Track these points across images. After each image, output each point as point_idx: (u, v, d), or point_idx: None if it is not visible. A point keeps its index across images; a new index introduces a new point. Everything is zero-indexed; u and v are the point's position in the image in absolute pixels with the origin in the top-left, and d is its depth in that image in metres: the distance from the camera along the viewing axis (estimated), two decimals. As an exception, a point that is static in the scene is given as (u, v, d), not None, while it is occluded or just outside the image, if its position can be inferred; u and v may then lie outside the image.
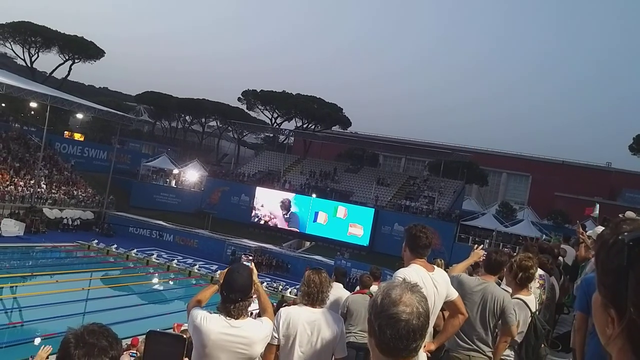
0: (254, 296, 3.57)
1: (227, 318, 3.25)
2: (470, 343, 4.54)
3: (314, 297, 3.86)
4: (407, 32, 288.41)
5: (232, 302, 3.25)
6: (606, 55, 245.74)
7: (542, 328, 4.81)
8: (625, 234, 0.91)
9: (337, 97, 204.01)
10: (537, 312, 4.98)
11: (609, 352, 0.94)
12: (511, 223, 46.32)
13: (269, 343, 3.72)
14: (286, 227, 47.75)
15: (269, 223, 48.31)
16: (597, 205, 10.46)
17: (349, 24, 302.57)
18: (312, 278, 3.91)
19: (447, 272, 6.27)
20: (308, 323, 3.73)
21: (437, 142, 70.73)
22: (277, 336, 3.71)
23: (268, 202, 48.35)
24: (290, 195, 48.28)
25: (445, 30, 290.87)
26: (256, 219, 48.64)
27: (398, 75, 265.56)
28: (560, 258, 7.85)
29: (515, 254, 7.56)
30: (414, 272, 3.66)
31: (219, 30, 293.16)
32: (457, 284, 4.61)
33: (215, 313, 3.32)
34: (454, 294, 3.98)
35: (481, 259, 5.48)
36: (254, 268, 3.78)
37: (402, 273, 3.64)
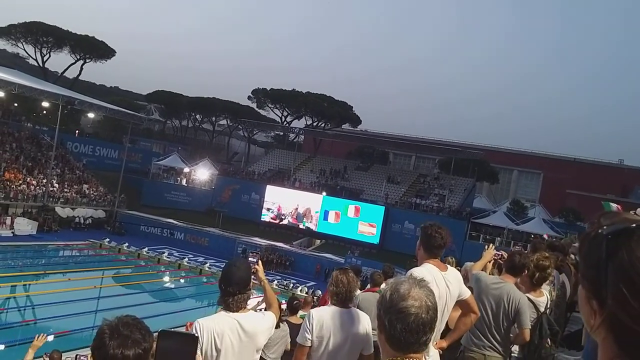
0: (261, 298, 3.58)
1: (228, 312, 3.28)
2: (485, 341, 4.53)
3: (342, 297, 3.89)
4: (417, 26, 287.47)
5: (231, 294, 3.27)
6: (618, 49, 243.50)
7: (550, 329, 4.79)
8: (605, 227, 0.93)
9: (346, 92, 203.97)
10: (548, 312, 4.95)
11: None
12: (522, 221, 46.11)
13: (300, 344, 3.74)
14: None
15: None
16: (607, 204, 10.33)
17: (358, 18, 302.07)
18: (340, 278, 3.93)
19: (459, 269, 6.28)
20: (340, 323, 3.75)
21: (447, 139, 70.55)
22: (309, 337, 3.71)
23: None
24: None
25: (454, 24, 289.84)
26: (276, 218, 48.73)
27: (407, 70, 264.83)
28: (572, 256, 7.79)
29: (525, 252, 7.53)
30: (427, 271, 3.66)
31: (227, 28, 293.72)
32: (475, 280, 4.64)
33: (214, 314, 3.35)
34: (467, 293, 3.98)
35: (493, 258, 5.44)
36: (260, 265, 3.82)
37: (415, 272, 3.65)
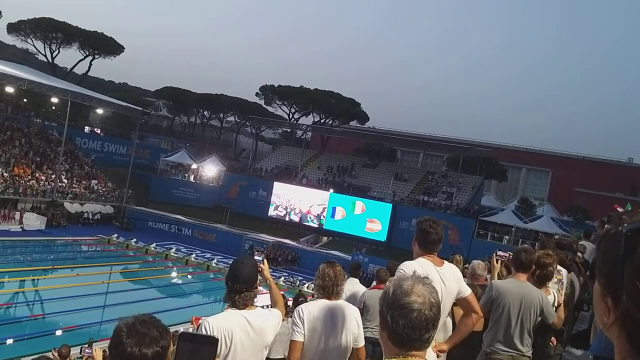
0: (265, 291, 3.56)
1: (235, 310, 3.27)
2: (511, 346, 4.51)
3: (329, 290, 3.83)
4: (421, 22, 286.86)
5: (238, 292, 3.27)
6: (624, 43, 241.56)
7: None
8: (625, 224, 0.92)
9: (354, 89, 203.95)
10: (555, 310, 4.93)
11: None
12: (530, 219, 45.89)
13: (293, 340, 3.70)
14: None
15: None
16: (629, 205, 10.21)
17: (365, 12, 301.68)
18: (326, 271, 3.88)
19: (467, 267, 6.24)
20: (330, 315, 3.71)
21: (455, 137, 70.26)
22: (302, 332, 3.67)
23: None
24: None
25: (455, 21, 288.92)
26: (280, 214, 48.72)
27: (415, 66, 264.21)
28: (580, 254, 7.74)
29: (532, 249, 7.48)
30: (418, 265, 3.59)
31: (235, 24, 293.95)
32: (496, 291, 4.59)
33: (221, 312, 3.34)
34: (467, 291, 3.88)
35: (500, 259, 5.39)
36: (266, 264, 3.79)
37: (406, 266, 3.59)
